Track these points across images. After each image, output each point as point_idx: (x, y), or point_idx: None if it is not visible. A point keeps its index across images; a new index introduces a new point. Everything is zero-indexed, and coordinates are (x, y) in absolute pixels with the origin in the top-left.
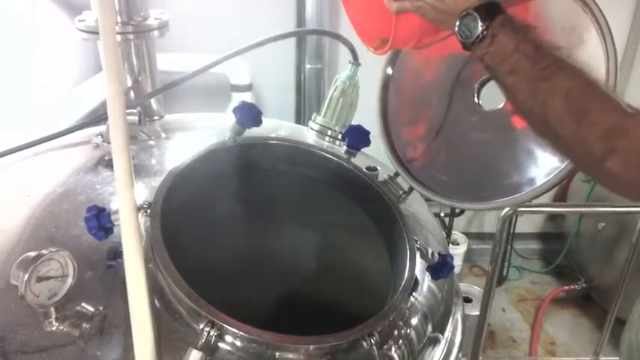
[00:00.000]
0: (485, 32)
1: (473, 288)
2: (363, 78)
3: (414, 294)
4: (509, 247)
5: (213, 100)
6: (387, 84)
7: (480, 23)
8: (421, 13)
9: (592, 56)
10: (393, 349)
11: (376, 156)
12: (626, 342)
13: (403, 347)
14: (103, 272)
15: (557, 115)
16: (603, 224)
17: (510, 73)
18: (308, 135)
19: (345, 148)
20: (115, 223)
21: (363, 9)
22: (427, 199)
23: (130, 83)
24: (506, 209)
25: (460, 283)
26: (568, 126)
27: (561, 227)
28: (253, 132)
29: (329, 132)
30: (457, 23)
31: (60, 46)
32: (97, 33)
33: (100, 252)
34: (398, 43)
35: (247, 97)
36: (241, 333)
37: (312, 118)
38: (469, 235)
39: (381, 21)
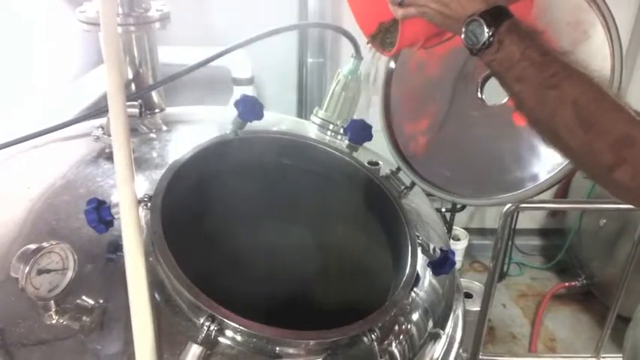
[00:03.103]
0: (491, 39)
1: (474, 284)
2: (365, 72)
3: (415, 289)
4: (510, 242)
5: (214, 93)
6: (389, 78)
7: (485, 29)
8: (427, 18)
9: (597, 51)
10: (394, 344)
11: (378, 151)
12: (631, 340)
13: (404, 343)
14: (103, 265)
15: (566, 124)
16: (605, 221)
17: (517, 80)
18: (310, 129)
19: (346, 142)
20: (116, 216)
21: (365, 3)
22: (429, 194)
23: (131, 75)
24: (509, 205)
25: (461, 279)
26: (576, 135)
27: (562, 223)
28: (255, 126)
29: (331, 126)
30: (463, 29)
31: (61, 38)
32: (97, 24)
33: (101, 245)
34: (405, 46)
35: (249, 90)
36: (242, 327)
37: (314, 112)
38: (470, 231)
39: (384, 14)
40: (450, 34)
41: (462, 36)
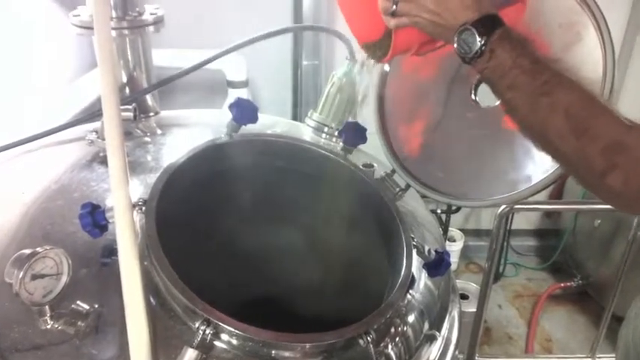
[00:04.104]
0: (483, 47)
1: (469, 285)
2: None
3: (410, 291)
4: (505, 243)
5: (209, 97)
6: (384, 81)
7: (477, 38)
8: (420, 27)
9: (590, 53)
10: (390, 346)
11: (373, 153)
12: (623, 339)
13: (400, 345)
14: (98, 270)
15: (558, 131)
16: (599, 221)
17: (509, 88)
18: (304, 132)
19: (341, 144)
20: (110, 221)
21: (358, 11)
22: (424, 196)
23: (125, 79)
24: (503, 206)
25: (456, 280)
26: (568, 142)
27: (557, 224)
28: (249, 129)
29: (325, 129)
30: (455, 38)
31: (56, 42)
32: (91, 28)
33: (95, 249)
34: (397, 54)
35: (243, 93)
36: (237, 331)
37: (309, 114)
38: (466, 232)
39: (377, 22)
40: (443, 42)
41: (455, 45)
